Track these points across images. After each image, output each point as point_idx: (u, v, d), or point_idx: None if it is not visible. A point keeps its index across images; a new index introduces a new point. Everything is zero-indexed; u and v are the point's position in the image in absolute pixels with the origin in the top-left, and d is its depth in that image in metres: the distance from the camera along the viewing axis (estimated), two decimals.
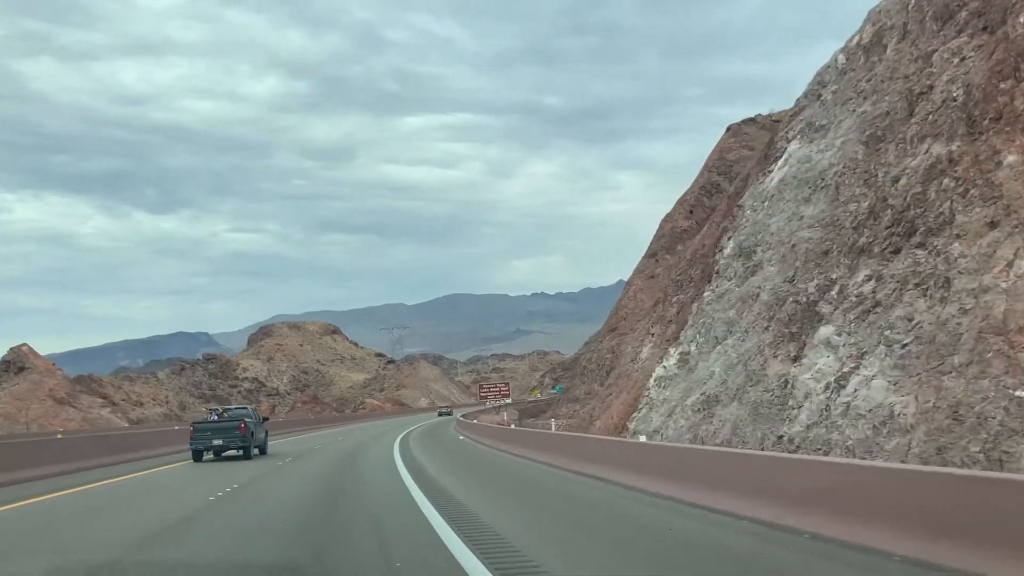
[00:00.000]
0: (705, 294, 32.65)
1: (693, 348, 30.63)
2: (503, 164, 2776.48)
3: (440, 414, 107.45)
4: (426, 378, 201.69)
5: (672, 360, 31.47)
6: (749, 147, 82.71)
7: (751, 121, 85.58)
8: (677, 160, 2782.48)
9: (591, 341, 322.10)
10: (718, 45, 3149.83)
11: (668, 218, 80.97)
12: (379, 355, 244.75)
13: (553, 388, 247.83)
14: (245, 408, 37.09)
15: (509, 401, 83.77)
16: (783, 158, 34.10)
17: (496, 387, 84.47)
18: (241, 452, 31.40)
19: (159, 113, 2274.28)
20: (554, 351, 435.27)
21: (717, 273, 32.90)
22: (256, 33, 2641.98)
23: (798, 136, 34.22)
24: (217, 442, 31.09)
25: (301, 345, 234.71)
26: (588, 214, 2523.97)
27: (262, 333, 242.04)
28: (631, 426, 30.86)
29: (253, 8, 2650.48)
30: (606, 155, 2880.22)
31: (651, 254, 78.38)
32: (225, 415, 34.13)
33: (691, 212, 78.40)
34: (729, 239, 34.26)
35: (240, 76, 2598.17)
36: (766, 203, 32.12)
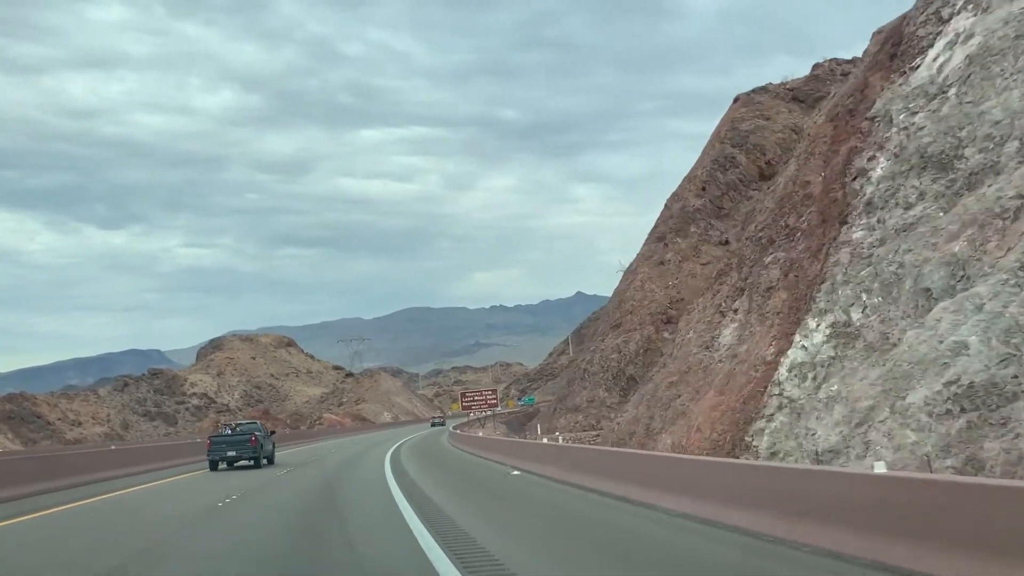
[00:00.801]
0: (855, 235, 20.83)
1: (858, 314, 18.82)
2: (462, 177, 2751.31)
3: (433, 424, 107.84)
4: (388, 391, 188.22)
5: (817, 336, 19.62)
6: (765, 116, 71.91)
7: (763, 90, 74.79)
8: (633, 173, 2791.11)
9: (555, 352, 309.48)
10: (671, 60, 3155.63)
11: (675, 198, 69.48)
12: (337, 368, 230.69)
13: (520, 400, 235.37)
14: (255, 423, 41.71)
15: (492, 413, 70.91)
16: (948, 37, 22.71)
17: (481, 395, 71.04)
18: (252, 462, 34.03)
19: (109, 127, 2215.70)
20: (516, 363, 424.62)
21: (869, 205, 21.13)
22: (209, 46, 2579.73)
23: (966, 8, 22.87)
24: (231, 453, 33.73)
25: (254, 359, 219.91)
26: (547, 227, 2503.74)
27: (212, 347, 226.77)
28: (760, 444, 18.90)
29: (205, 21, 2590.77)
30: (564, 168, 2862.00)
31: (658, 238, 66.73)
32: (237, 429, 37.13)
33: (704, 189, 67.06)
34: (871, 159, 22.61)
35: (192, 90, 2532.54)
36: (949, 93, 20.53)
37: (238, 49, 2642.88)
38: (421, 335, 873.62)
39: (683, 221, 65.67)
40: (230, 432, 36.43)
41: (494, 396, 70.90)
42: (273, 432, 42.45)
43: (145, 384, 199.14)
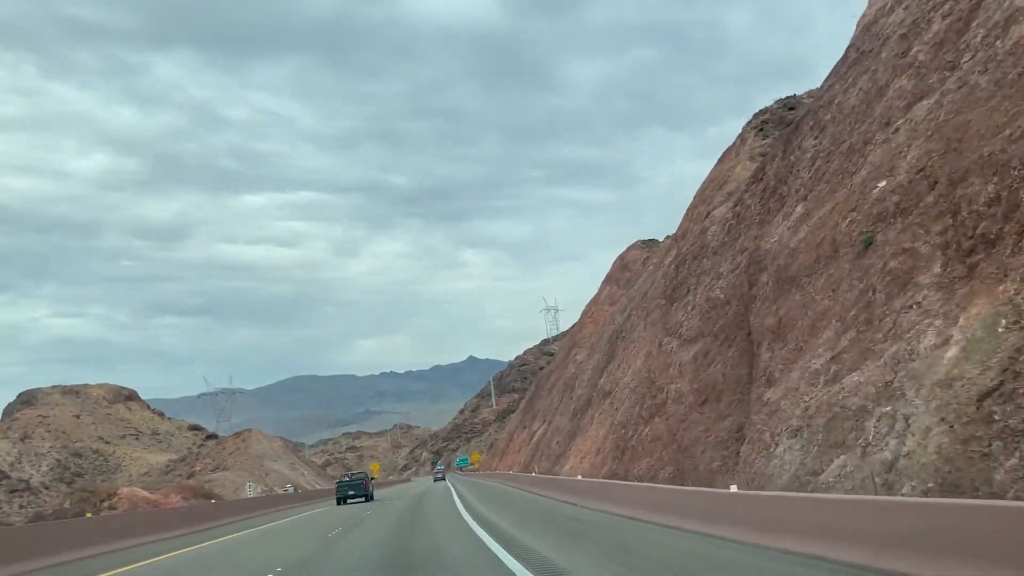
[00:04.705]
0: None
1: None
2: (348, 243, 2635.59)
3: (436, 480, 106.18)
4: (261, 454, 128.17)
5: None
6: None
7: None
8: (520, 238, 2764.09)
9: (467, 408, 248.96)
10: (554, 130, 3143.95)
11: None
12: (195, 429, 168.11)
13: (438, 464, 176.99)
14: (363, 473, 61.96)
15: None
16: None
17: None
18: (364, 499, 52.87)
19: None
20: (417, 425, 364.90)
21: None
22: (83, 108, 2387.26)
23: None
24: (351, 492, 53.68)
25: (78, 417, 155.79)
26: (435, 292, 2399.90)
27: (20, 402, 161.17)
28: None
29: (79, 84, 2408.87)
30: (452, 234, 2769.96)
31: None
32: (354, 478, 57.65)
33: None
34: None
35: (65, 152, 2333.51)
36: None
37: (114, 112, 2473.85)
38: (307, 405, 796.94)
39: None
40: (348, 479, 56.80)
41: None
42: (373, 478, 64.52)
43: None
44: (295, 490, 76.14)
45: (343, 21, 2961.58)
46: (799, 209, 30.01)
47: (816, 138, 33.67)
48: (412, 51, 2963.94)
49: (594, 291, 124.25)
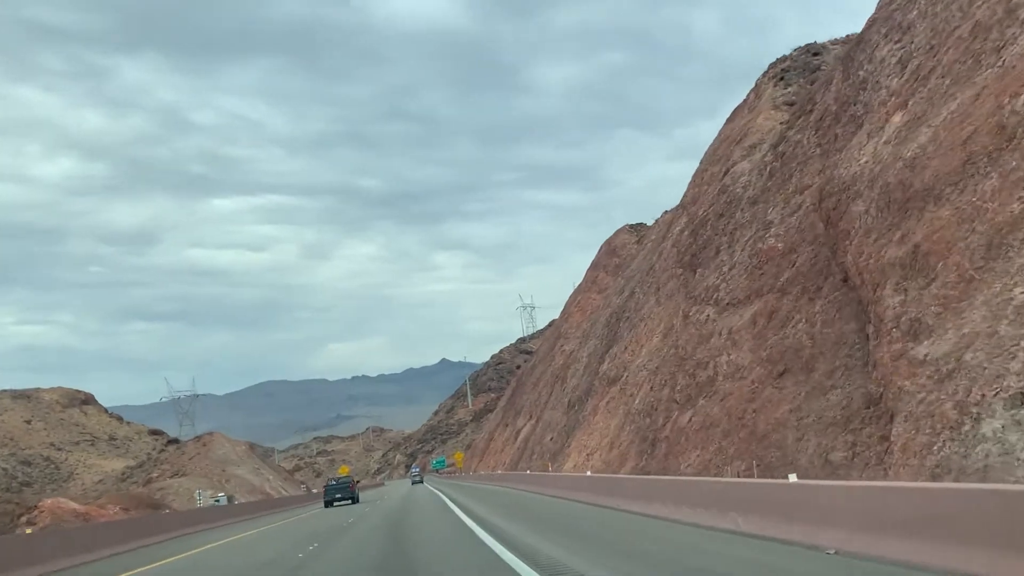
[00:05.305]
0: None
1: None
2: (320, 246, 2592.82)
3: (413, 482, 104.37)
4: (223, 459, 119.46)
5: None
6: None
7: None
8: (493, 241, 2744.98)
9: (442, 409, 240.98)
10: (527, 134, 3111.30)
11: None
12: (155, 433, 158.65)
13: (412, 467, 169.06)
14: (349, 477, 61.70)
15: None
16: None
17: None
18: (350, 501, 53.98)
19: None
20: (390, 428, 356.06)
21: None
22: (48, 112, 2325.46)
23: None
24: (338, 495, 54.62)
25: (28, 423, 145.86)
26: (409, 295, 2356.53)
27: None
28: None
29: (45, 87, 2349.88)
30: (425, 237, 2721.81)
31: None
32: (341, 481, 57.93)
33: None
34: None
35: (30, 157, 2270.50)
36: None
37: (81, 116, 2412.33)
38: (278, 410, 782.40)
39: None
40: (335, 483, 57.23)
41: None
42: (358, 481, 64.19)
43: None
44: (228, 500, 67.69)
45: (313, 25, 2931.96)
46: (897, 119, 22.76)
47: (898, 41, 26.57)
48: (383, 55, 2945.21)
49: (570, 291, 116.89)
